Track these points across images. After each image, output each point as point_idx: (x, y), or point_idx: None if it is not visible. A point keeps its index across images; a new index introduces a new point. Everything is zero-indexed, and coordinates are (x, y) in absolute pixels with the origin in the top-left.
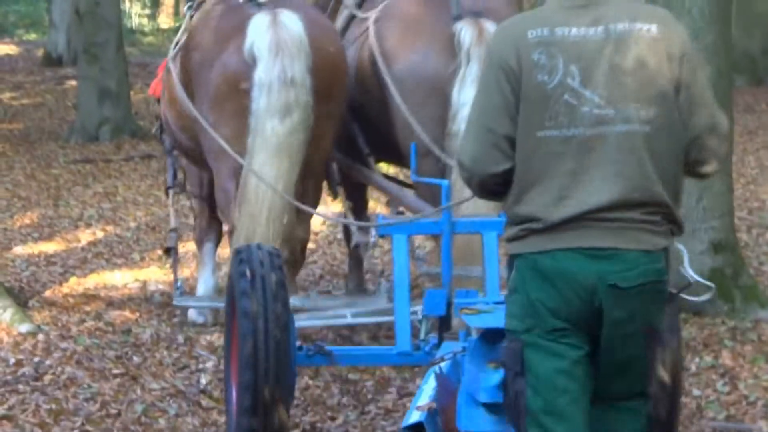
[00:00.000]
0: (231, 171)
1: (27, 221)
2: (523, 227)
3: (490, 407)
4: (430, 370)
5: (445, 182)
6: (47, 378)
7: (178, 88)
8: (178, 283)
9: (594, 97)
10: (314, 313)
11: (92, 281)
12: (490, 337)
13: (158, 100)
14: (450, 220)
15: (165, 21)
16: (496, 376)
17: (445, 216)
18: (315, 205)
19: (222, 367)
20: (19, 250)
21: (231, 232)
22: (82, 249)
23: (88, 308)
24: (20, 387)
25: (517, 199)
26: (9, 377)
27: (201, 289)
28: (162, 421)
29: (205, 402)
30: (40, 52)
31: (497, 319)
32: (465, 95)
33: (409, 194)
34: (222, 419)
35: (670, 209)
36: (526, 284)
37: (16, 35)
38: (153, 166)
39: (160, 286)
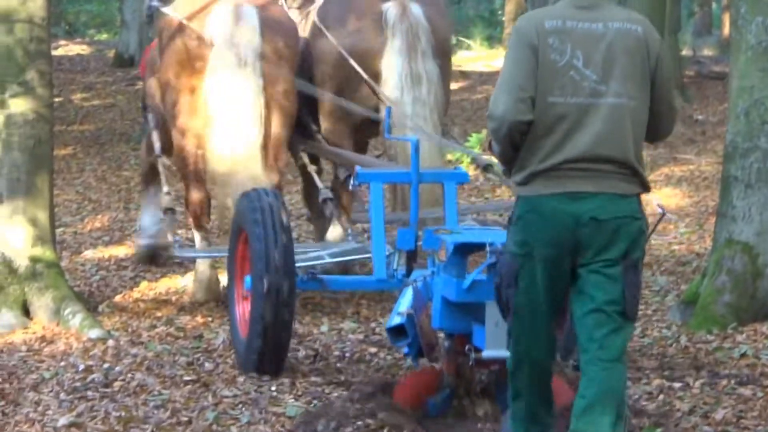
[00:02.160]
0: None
1: (97, 225)
2: (526, 173)
3: (460, 307)
4: (406, 288)
5: (414, 138)
6: (117, 385)
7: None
8: (177, 237)
9: (592, 75)
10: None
11: (163, 286)
12: (462, 251)
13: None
14: (418, 171)
15: None
16: (467, 282)
17: (414, 167)
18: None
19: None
20: (89, 254)
21: (188, 204)
22: None
23: (159, 313)
24: (89, 394)
25: (526, 149)
26: (78, 384)
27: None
28: (234, 429)
29: (277, 409)
30: (111, 53)
31: (466, 237)
32: (390, 63)
33: (360, 156)
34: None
35: (636, 168)
36: (525, 219)
37: (87, 35)
38: None
39: None
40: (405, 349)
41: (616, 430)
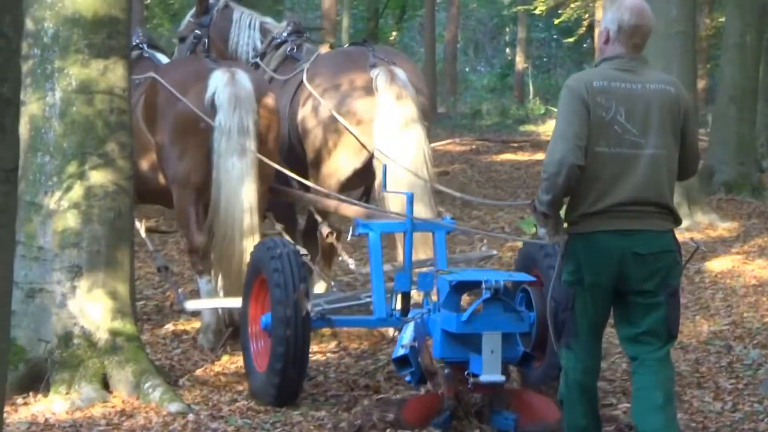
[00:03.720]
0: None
1: None
2: (578, 214)
3: (459, 338)
4: (406, 325)
5: (410, 193)
6: None
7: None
8: (179, 290)
9: (633, 129)
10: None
11: None
12: (459, 288)
13: None
14: (412, 221)
15: None
16: (465, 315)
17: (408, 218)
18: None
19: None
20: (170, 327)
21: (191, 249)
22: None
23: (240, 387)
24: None
25: (576, 194)
26: None
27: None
28: None
29: None
30: None
31: (463, 276)
32: (384, 124)
33: (349, 205)
34: None
35: (671, 207)
36: (577, 253)
37: None
38: None
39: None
40: (408, 378)
41: (669, 408)
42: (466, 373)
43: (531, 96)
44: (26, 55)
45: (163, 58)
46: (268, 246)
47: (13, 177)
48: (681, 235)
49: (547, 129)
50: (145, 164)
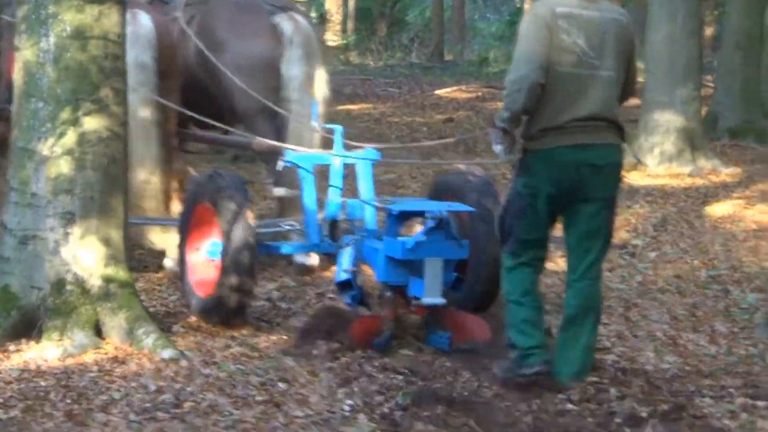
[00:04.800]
0: None
1: None
2: (538, 128)
3: (403, 263)
4: (342, 250)
5: (340, 127)
6: (187, 405)
7: None
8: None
9: (591, 52)
10: None
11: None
12: (401, 218)
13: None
14: (341, 153)
15: (331, 38)
16: (409, 242)
17: (337, 151)
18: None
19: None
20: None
21: None
22: None
23: (234, 333)
24: (159, 414)
25: (536, 110)
26: (148, 404)
27: None
28: None
29: (349, 429)
30: None
31: (406, 207)
32: (292, 71)
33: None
34: None
35: (621, 123)
36: (536, 167)
37: None
38: None
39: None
40: (348, 300)
41: (594, 333)
42: (408, 296)
43: None
44: (20, 1)
45: None
46: (212, 176)
47: None
48: (685, 181)
49: None
50: None
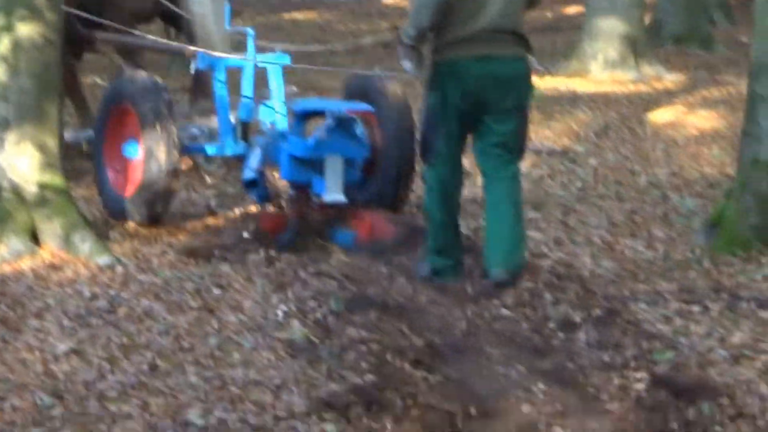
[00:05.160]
0: None
1: None
2: (444, 41)
3: (305, 162)
4: (251, 150)
5: (251, 30)
6: (122, 311)
7: None
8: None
9: None
10: None
11: (178, 211)
12: (303, 116)
13: None
14: (254, 56)
15: None
16: (311, 142)
17: (249, 53)
18: None
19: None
20: None
21: None
22: None
23: (171, 239)
24: (93, 320)
25: (442, 24)
26: (82, 311)
27: None
28: (236, 355)
29: (281, 335)
30: None
31: (306, 105)
32: None
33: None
34: (298, 353)
35: (525, 36)
36: (443, 79)
37: None
38: None
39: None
40: (254, 197)
41: (518, 225)
42: (311, 194)
43: None
44: None
45: None
46: (131, 77)
47: None
48: (628, 87)
49: None
50: None
